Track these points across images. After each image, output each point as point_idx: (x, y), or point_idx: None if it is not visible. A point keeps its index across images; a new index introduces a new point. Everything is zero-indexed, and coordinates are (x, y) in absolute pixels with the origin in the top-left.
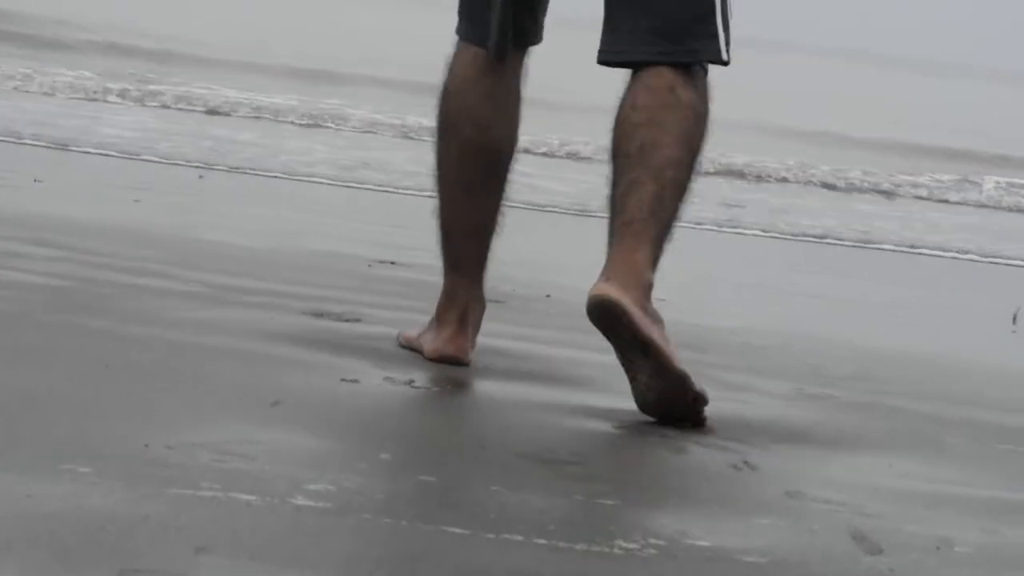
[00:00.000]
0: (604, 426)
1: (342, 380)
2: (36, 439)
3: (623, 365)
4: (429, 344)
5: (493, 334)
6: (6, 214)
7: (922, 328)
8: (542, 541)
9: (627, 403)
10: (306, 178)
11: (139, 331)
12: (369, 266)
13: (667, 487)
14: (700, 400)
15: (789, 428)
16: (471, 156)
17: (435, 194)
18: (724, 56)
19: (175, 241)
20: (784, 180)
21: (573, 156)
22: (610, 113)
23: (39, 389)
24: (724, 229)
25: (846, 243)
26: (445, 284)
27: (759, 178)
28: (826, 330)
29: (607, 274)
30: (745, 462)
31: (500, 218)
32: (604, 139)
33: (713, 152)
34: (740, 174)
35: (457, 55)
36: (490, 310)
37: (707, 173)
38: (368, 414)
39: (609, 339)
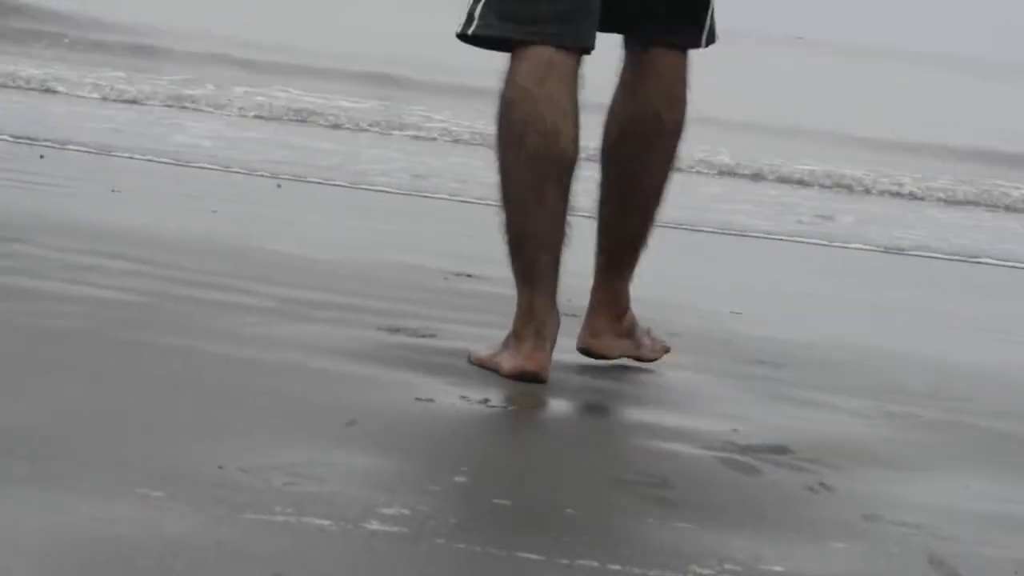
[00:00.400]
0: (680, 447)
1: (416, 399)
2: (107, 461)
3: None
4: (508, 361)
5: (566, 349)
6: (83, 225)
7: (1005, 344)
8: (616, 567)
9: (704, 422)
10: (383, 188)
11: (212, 348)
12: (445, 279)
13: (742, 510)
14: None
15: (866, 447)
16: (541, 165)
17: (502, 207)
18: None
19: (251, 253)
20: (870, 191)
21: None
22: None
23: (111, 409)
24: (806, 240)
25: (936, 255)
26: (521, 299)
27: (844, 187)
28: (906, 346)
29: (591, 323)
30: (821, 483)
31: (569, 228)
32: None
33: (791, 161)
34: (821, 184)
35: (517, 62)
36: (564, 324)
37: (788, 182)
38: (442, 435)
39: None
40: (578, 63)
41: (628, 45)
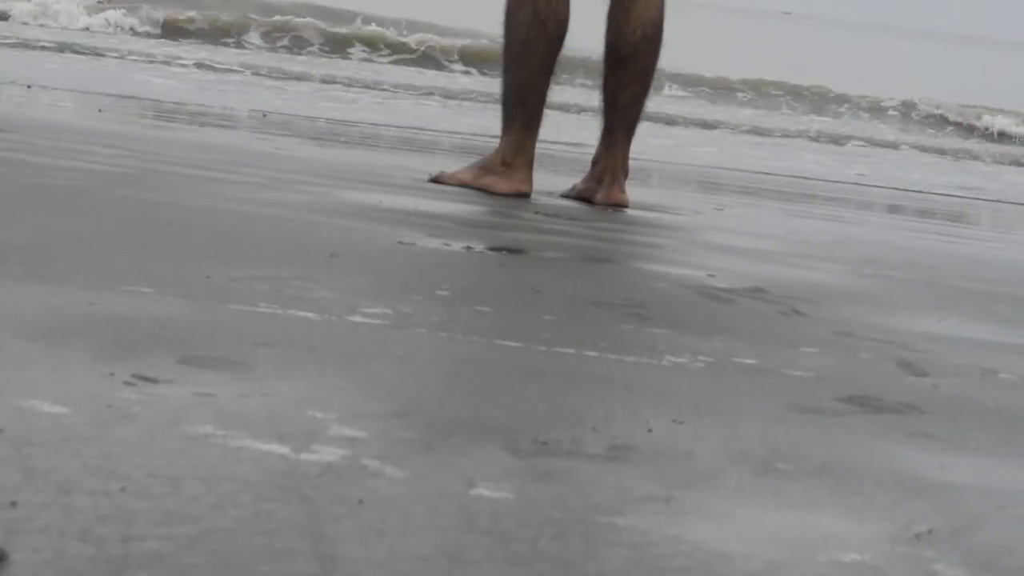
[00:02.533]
0: (657, 283)
1: (400, 242)
2: (99, 267)
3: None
4: (503, 184)
5: (547, 206)
6: (74, 127)
7: (969, 238)
8: (593, 354)
9: (682, 270)
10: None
11: (199, 203)
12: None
13: (716, 325)
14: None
15: (841, 289)
16: (556, 46)
17: (513, 69)
18: None
19: (239, 151)
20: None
21: None
22: None
23: (102, 233)
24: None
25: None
26: (512, 138)
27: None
28: (884, 234)
29: (614, 178)
30: (795, 310)
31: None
32: None
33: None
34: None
35: None
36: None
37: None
38: (425, 265)
39: None
40: None
41: None
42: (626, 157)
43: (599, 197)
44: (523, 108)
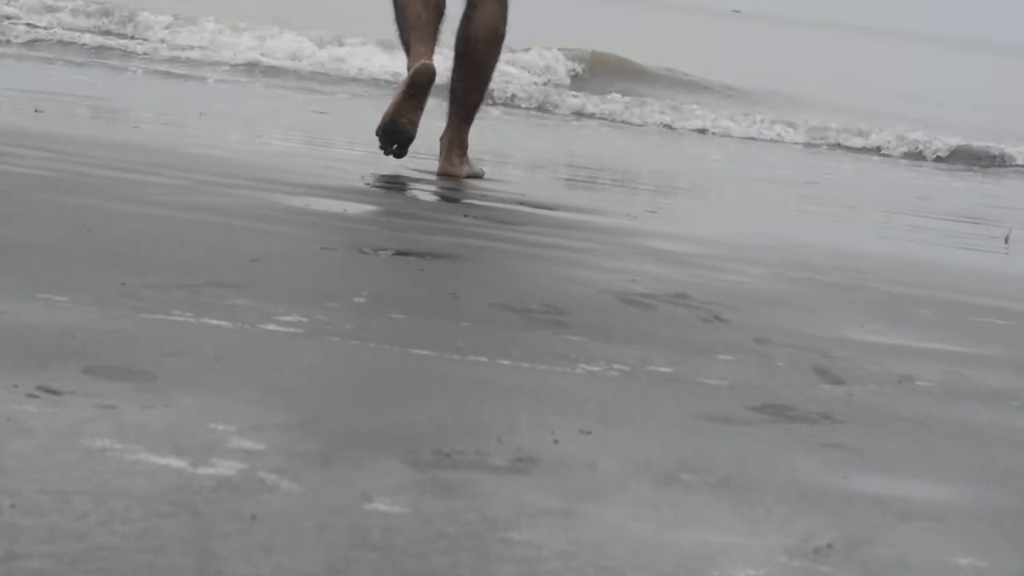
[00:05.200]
0: (578, 288)
1: (322, 248)
2: (11, 274)
3: None
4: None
5: (479, 209)
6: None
7: (904, 234)
8: (507, 362)
9: (603, 275)
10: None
11: (123, 208)
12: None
13: (634, 331)
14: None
15: (763, 296)
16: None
17: (400, 15)
18: None
19: (172, 153)
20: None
21: None
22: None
23: (17, 239)
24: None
25: None
26: (410, 55)
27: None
28: (814, 236)
29: (448, 156)
30: (716, 317)
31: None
32: None
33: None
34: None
35: None
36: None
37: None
38: (346, 271)
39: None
40: None
41: None
42: (462, 138)
43: (437, 168)
44: (412, 32)
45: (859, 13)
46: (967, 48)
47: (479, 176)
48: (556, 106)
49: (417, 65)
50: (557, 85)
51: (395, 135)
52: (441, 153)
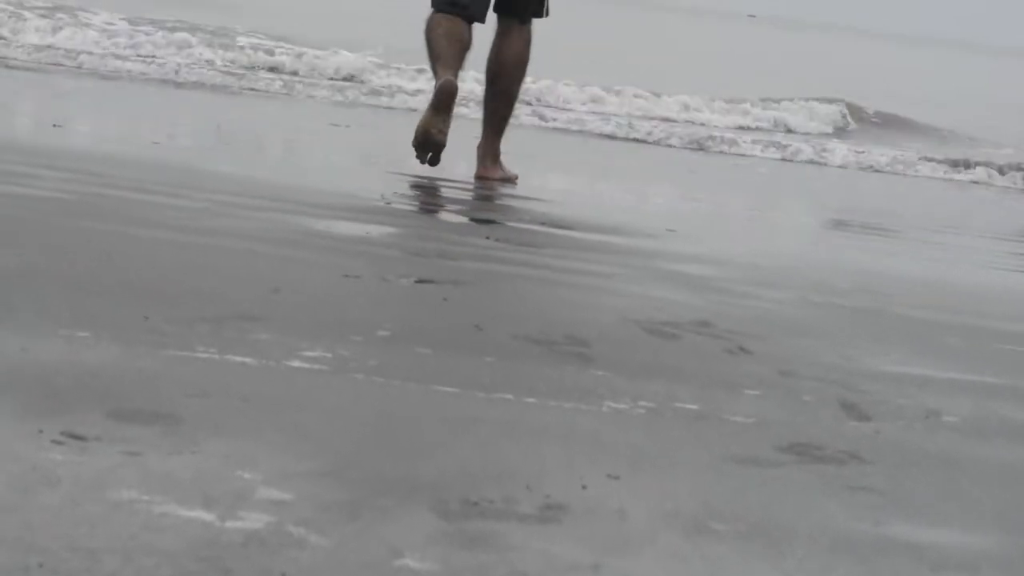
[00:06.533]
0: (602, 316)
1: (345, 276)
2: (34, 307)
3: None
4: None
5: (494, 247)
6: (24, 145)
7: (930, 253)
8: (532, 400)
9: (628, 301)
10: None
11: (142, 233)
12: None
13: (659, 365)
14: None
15: (788, 323)
16: (458, 40)
17: (429, 49)
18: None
19: (191, 170)
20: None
21: None
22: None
23: (38, 269)
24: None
25: None
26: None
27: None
28: (835, 255)
29: (483, 162)
30: (740, 347)
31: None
32: None
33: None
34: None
35: (438, 17)
36: None
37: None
38: (368, 303)
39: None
40: (470, 25)
41: (502, 18)
42: (495, 147)
43: (475, 172)
44: (438, 61)
45: (857, 15)
46: (971, 51)
47: (512, 179)
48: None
49: (441, 81)
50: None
51: (428, 145)
52: (478, 160)
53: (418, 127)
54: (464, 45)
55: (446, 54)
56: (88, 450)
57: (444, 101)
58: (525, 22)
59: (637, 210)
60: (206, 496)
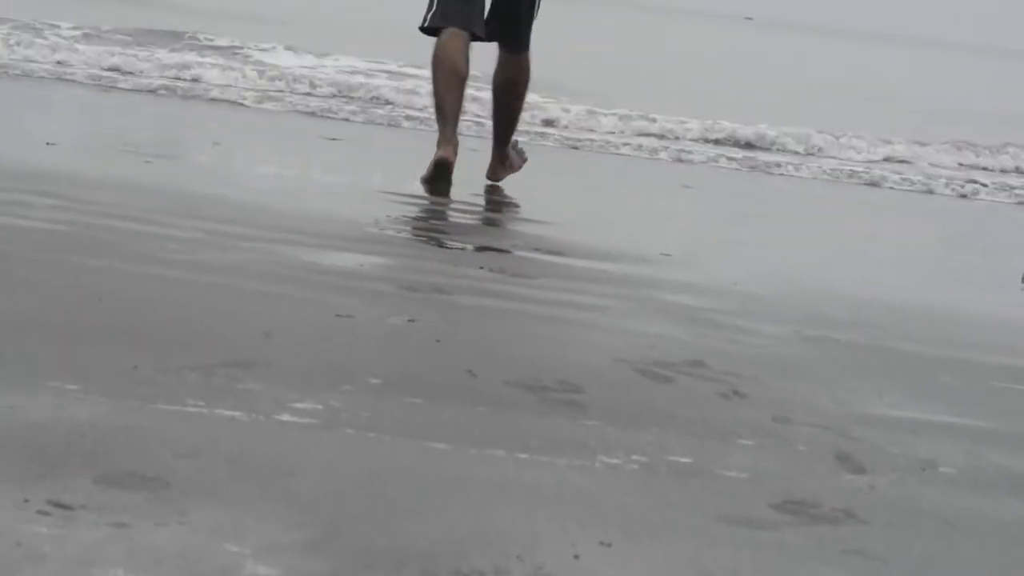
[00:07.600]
0: (595, 357)
1: (336, 316)
2: (22, 359)
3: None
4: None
5: (483, 278)
6: (11, 169)
7: (929, 279)
8: (524, 456)
9: (621, 339)
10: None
11: (132, 268)
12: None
13: (652, 411)
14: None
15: (782, 363)
16: (457, 81)
17: (434, 91)
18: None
19: (181, 194)
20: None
21: None
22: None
23: (24, 315)
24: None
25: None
26: (439, 133)
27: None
28: (829, 283)
29: (492, 165)
30: (734, 391)
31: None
32: None
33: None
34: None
35: (442, 36)
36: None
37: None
38: (359, 346)
39: None
40: (469, 39)
41: (500, 48)
42: (502, 153)
43: (485, 175)
44: (439, 113)
45: (855, 17)
46: (976, 54)
47: (519, 168)
48: None
49: (436, 158)
50: None
51: (435, 191)
52: (489, 166)
53: (424, 178)
54: (462, 78)
55: (445, 105)
56: (73, 521)
57: (440, 174)
58: (515, 54)
59: (634, 232)
60: (193, 574)
